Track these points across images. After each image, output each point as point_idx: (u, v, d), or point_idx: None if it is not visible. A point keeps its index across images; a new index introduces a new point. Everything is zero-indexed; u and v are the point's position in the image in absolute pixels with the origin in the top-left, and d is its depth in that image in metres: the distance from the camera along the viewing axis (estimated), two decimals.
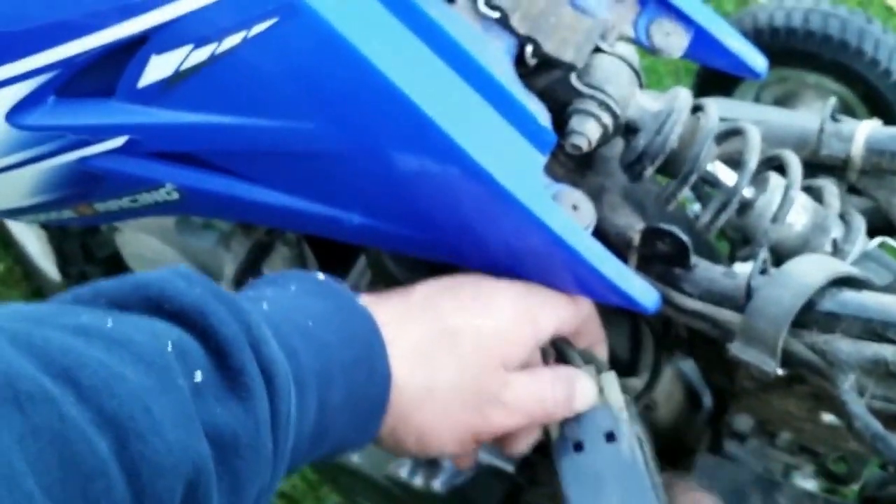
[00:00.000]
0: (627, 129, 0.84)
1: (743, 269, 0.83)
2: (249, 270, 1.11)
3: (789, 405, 0.87)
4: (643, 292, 0.79)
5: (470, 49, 0.76)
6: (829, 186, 0.89)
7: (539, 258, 0.78)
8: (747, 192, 0.86)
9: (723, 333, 0.80)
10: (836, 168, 0.92)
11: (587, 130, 0.81)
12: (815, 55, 1.92)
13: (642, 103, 0.83)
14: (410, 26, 0.74)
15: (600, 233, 0.81)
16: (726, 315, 0.80)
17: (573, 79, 0.82)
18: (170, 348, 0.58)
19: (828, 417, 0.87)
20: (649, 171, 0.83)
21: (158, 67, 0.72)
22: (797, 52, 1.93)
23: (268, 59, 0.72)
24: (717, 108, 0.84)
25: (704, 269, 0.83)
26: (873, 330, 0.74)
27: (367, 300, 0.75)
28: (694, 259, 0.83)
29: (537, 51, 0.81)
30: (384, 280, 0.96)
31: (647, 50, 0.90)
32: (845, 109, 1.91)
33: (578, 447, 0.81)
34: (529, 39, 0.80)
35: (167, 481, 0.54)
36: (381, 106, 0.73)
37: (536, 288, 0.80)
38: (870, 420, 0.73)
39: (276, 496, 1.35)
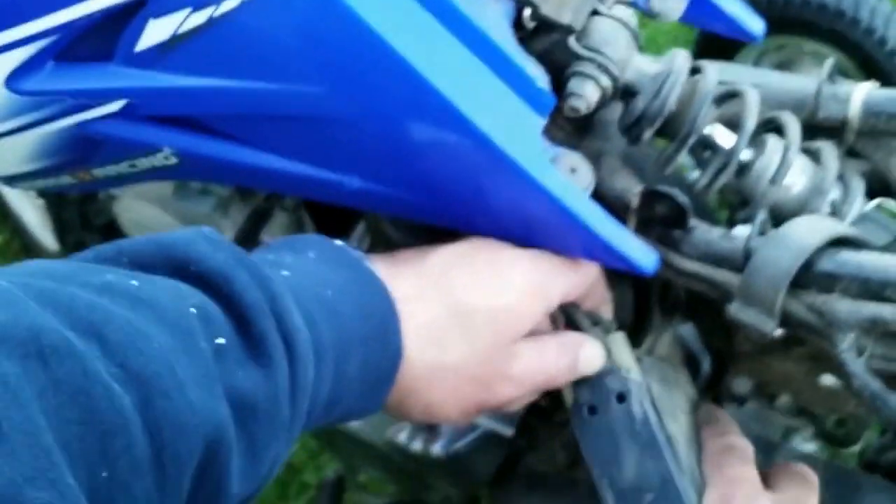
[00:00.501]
0: (626, 92, 0.84)
1: (741, 231, 0.83)
2: (248, 237, 1.11)
3: (788, 367, 0.88)
4: (642, 254, 0.80)
5: (468, 13, 0.76)
6: (827, 148, 0.89)
7: (537, 221, 0.79)
8: (745, 154, 0.86)
9: (722, 295, 0.81)
10: (833, 130, 0.92)
11: (586, 92, 0.81)
12: (811, 23, 1.93)
13: (641, 66, 0.83)
14: None
15: (599, 196, 0.81)
16: (725, 276, 0.80)
17: (571, 41, 0.81)
18: (193, 311, 0.58)
19: (826, 379, 0.87)
20: (648, 134, 0.83)
21: (156, 31, 0.72)
22: (794, 19, 1.93)
23: (266, 22, 0.72)
24: (715, 71, 0.84)
25: (703, 231, 0.83)
26: (871, 290, 0.75)
27: (382, 270, 0.75)
28: (692, 221, 0.83)
29: (535, 14, 0.81)
30: (383, 245, 0.96)
31: (646, 13, 0.90)
32: (842, 77, 1.91)
33: (592, 410, 0.82)
34: (527, 2, 0.80)
35: (188, 441, 0.54)
36: (381, 69, 0.73)
37: (546, 256, 0.80)
38: (868, 379, 0.74)
39: None
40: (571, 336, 0.82)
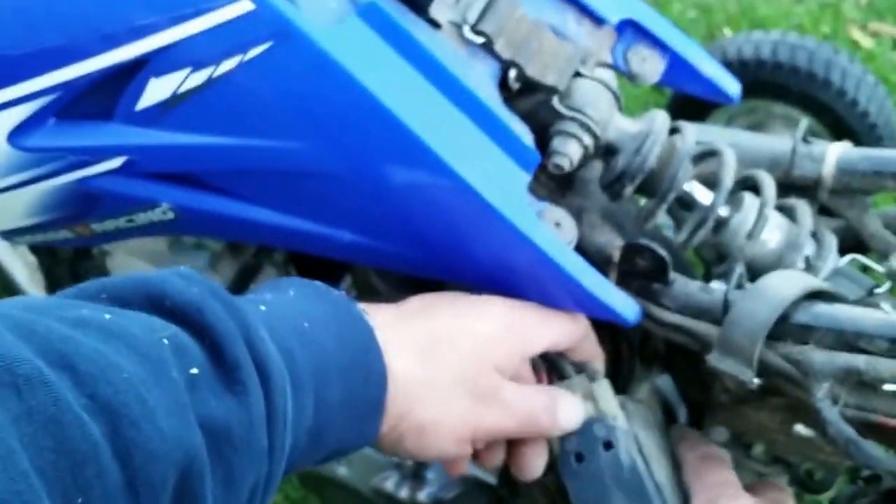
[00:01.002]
0: (607, 151, 0.86)
1: (719, 286, 0.85)
2: (238, 292, 1.12)
3: (763, 417, 0.89)
4: (624, 305, 0.82)
5: (456, 73, 0.78)
6: (802, 206, 0.91)
7: (524, 272, 0.81)
8: (723, 211, 0.88)
9: (701, 345, 0.83)
10: (807, 188, 0.94)
11: (569, 151, 0.83)
12: (783, 86, 1.95)
13: (621, 125, 0.86)
14: (399, 51, 0.77)
15: (581, 250, 0.83)
16: (704, 328, 0.82)
17: (555, 101, 0.84)
18: (166, 342, 0.59)
19: (800, 429, 0.89)
20: (629, 190, 0.85)
21: (157, 90, 0.74)
22: (766, 83, 1.96)
23: (263, 82, 0.74)
24: (693, 131, 0.87)
25: (682, 285, 0.85)
26: (845, 341, 0.77)
27: (363, 306, 0.77)
28: (672, 274, 0.85)
29: (521, 75, 0.83)
30: (370, 299, 0.97)
31: (625, 75, 0.93)
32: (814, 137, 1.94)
33: (579, 458, 0.83)
34: (513, 64, 0.83)
35: (160, 468, 0.55)
36: (372, 126, 0.75)
37: (528, 304, 0.82)
38: (843, 426, 0.76)
39: None
40: (551, 388, 0.84)
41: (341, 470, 1.18)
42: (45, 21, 0.72)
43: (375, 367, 0.74)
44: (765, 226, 0.88)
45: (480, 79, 0.81)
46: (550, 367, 0.86)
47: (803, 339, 0.78)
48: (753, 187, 0.90)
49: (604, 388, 0.85)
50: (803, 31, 2.54)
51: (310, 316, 0.72)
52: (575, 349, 0.86)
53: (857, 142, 1.86)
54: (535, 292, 0.82)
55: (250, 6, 0.72)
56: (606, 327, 0.88)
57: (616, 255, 0.86)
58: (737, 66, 1.94)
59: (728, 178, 0.87)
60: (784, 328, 0.79)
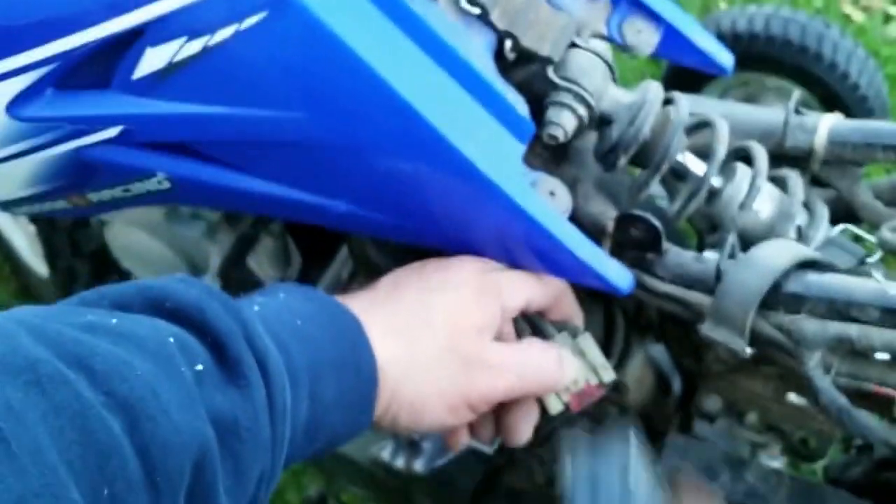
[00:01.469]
0: (601, 121, 0.87)
1: (712, 256, 0.86)
2: (235, 261, 1.13)
3: (756, 386, 0.90)
4: (618, 274, 0.83)
5: (452, 43, 0.79)
6: (794, 177, 0.92)
7: (518, 242, 0.81)
8: (716, 182, 0.89)
9: (693, 315, 0.84)
10: (799, 159, 0.95)
11: (563, 121, 0.84)
12: (775, 59, 1.96)
13: (615, 96, 0.86)
14: (395, 21, 0.77)
15: (575, 220, 0.84)
16: (697, 297, 0.83)
17: (550, 72, 0.85)
18: (171, 340, 0.61)
19: (793, 397, 0.90)
20: (623, 161, 0.86)
21: (153, 59, 0.74)
22: (759, 56, 1.97)
23: (258, 51, 0.74)
24: (687, 102, 0.87)
25: (675, 255, 0.86)
26: (837, 310, 0.78)
27: (341, 298, 0.79)
28: (665, 244, 0.86)
29: (516, 45, 0.84)
30: (366, 269, 0.98)
31: (620, 47, 0.93)
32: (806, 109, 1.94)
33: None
34: (508, 34, 0.83)
35: (177, 460, 0.57)
36: (368, 97, 0.75)
37: (499, 265, 0.84)
38: (835, 394, 0.77)
39: None
40: (544, 342, 0.85)
41: None
42: None
43: (366, 360, 0.76)
44: (757, 196, 0.89)
45: (476, 49, 0.81)
46: (534, 329, 0.87)
47: (795, 309, 0.79)
48: (746, 158, 0.91)
49: (588, 342, 0.86)
50: (796, 5, 2.54)
51: (301, 314, 0.74)
52: (553, 308, 0.87)
53: (848, 114, 1.87)
54: (530, 261, 0.83)
55: None
56: (600, 297, 0.89)
57: (610, 225, 0.87)
58: (730, 39, 1.95)
59: (721, 149, 0.87)
60: (776, 297, 0.79)
